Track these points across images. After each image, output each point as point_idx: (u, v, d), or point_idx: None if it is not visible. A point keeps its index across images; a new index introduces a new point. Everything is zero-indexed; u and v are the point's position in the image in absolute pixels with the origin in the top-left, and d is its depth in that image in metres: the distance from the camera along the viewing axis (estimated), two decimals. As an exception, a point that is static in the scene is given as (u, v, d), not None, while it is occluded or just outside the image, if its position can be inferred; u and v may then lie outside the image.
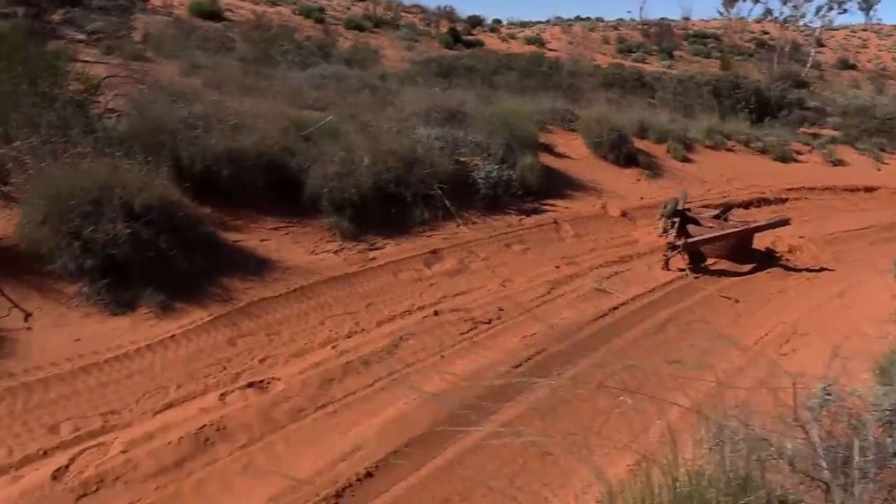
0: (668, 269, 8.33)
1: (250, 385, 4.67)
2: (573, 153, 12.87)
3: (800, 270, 9.28)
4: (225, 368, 4.86)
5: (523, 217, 9.29)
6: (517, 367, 5.48)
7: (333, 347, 5.37)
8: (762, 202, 13.43)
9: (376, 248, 7.26)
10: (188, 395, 4.51)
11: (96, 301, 5.17)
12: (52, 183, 5.33)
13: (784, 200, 13.93)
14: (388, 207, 7.93)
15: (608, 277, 7.79)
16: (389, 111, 10.07)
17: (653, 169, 13.34)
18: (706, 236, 8.59)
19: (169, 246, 5.54)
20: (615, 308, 6.91)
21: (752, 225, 9.06)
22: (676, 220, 8.92)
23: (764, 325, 7.13)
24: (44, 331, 4.82)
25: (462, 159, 9.30)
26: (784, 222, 9.23)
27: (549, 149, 12.32)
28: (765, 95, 21.84)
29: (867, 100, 27.23)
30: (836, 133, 21.35)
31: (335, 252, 6.93)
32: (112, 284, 5.25)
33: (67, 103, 6.56)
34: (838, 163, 18.02)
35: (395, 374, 5.12)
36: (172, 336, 5.06)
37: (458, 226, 8.36)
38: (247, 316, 5.56)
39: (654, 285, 7.76)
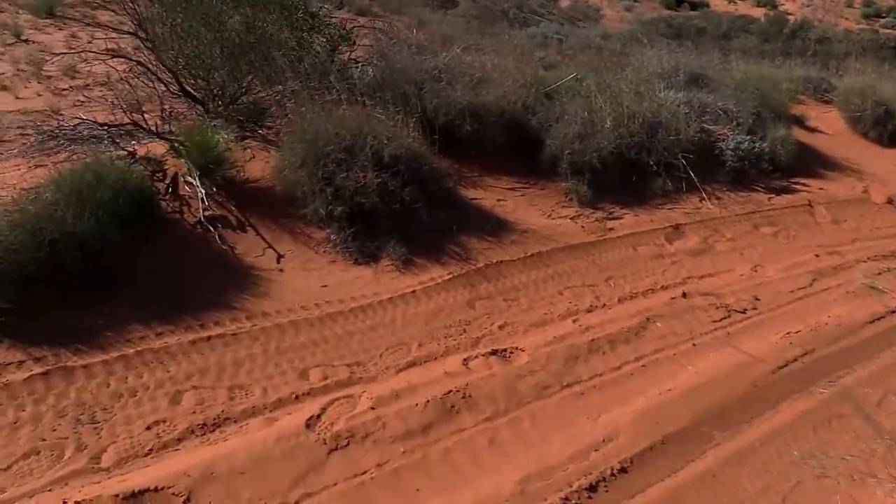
0: (956, 270, 7.11)
1: (493, 353, 4.44)
2: (827, 128, 11.46)
3: None
4: (465, 331, 4.67)
5: (772, 196, 8.33)
6: (782, 367, 4.81)
7: (575, 321, 5.01)
8: None
9: (614, 218, 6.77)
10: (430, 355, 4.37)
11: (342, 249, 5.18)
12: (310, 127, 5.38)
13: None
14: (627, 175, 7.38)
15: (879, 274, 6.75)
16: (628, 71, 9.38)
17: (923, 151, 11.60)
18: None
19: (413, 198, 5.43)
20: (894, 311, 5.95)
21: None
22: (968, 213, 7.60)
23: None
24: (294, 273, 4.89)
25: (708, 127, 8.48)
26: None
27: (799, 121, 11.04)
28: None
29: None
30: None
31: (572, 218, 6.54)
32: (358, 233, 5.24)
33: (323, 49, 6.65)
34: None
35: (644, 360, 4.67)
36: (413, 291, 4.95)
37: (700, 200, 7.64)
38: (484, 278, 5.33)
39: (941, 289, 6.63)
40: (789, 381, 4.68)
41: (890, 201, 9.09)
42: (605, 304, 5.34)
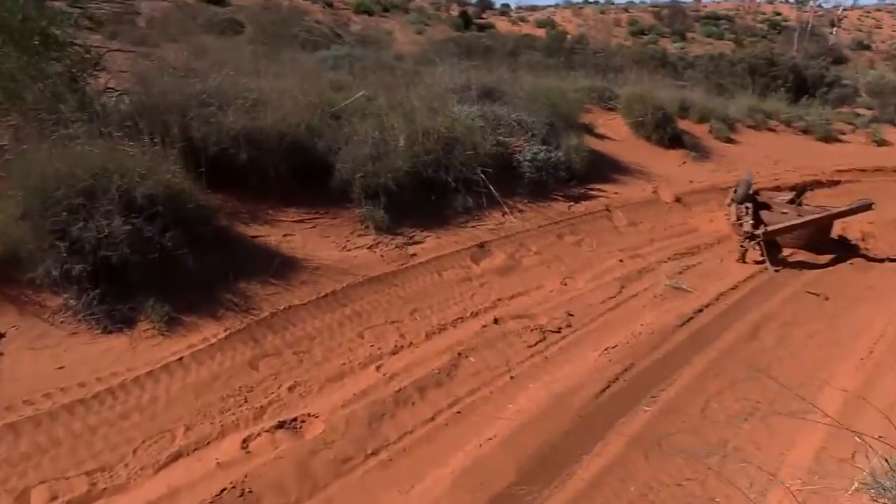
0: (745, 262, 7.29)
1: (280, 426, 3.67)
2: (613, 134, 11.83)
3: (882, 261, 8.23)
4: (246, 401, 3.87)
5: (572, 204, 8.25)
6: (605, 389, 4.46)
7: (378, 369, 4.37)
8: (814, 185, 12.36)
9: (416, 243, 6.24)
10: (200, 440, 3.52)
11: (86, 316, 4.16)
12: (35, 169, 4.33)
13: (836, 183, 12.91)
14: (426, 195, 6.91)
15: (681, 273, 6.76)
16: (421, 88, 8.98)
17: (698, 150, 12.30)
18: (786, 224, 7.53)
19: (176, 244, 4.52)
20: (700, 310, 5.88)
21: (834, 211, 7.98)
22: (750, 206, 7.89)
23: (867, 330, 6.09)
24: (19, 355, 3.83)
25: (504, 139, 8.26)
26: (866, 207, 8.13)
27: (588, 129, 11.29)
28: (802, 73, 20.69)
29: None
30: (870, 112, 20.32)
31: (369, 248, 5.92)
32: (106, 294, 4.24)
33: (60, 77, 5.55)
34: (882, 143, 16.97)
35: (459, 405, 4.11)
36: (180, 359, 4.06)
37: (503, 214, 7.34)
38: (270, 329, 4.55)
39: (734, 281, 6.72)
40: (613, 404, 4.33)
41: (678, 200, 9.37)
42: (411, 343, 4.75)
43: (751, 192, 8.25)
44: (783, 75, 19.94)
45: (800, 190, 8.48)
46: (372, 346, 4.63)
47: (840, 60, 30.53)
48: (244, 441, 3.49)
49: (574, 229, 7.56)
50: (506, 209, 7.41)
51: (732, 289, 6.50)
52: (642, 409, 4.33)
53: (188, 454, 3.39)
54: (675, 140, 12.08)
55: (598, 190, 9.01)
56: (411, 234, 6.36)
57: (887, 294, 7.11)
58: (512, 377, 4.48)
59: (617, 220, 8.23)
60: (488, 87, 10.08)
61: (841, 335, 5.95)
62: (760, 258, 7.33)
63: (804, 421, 4.42)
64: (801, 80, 20.31)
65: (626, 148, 11.33)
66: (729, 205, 8.22)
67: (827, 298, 6.74)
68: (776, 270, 7.16)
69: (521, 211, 7.59)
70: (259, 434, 3.56)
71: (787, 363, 5.31)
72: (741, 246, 7.29)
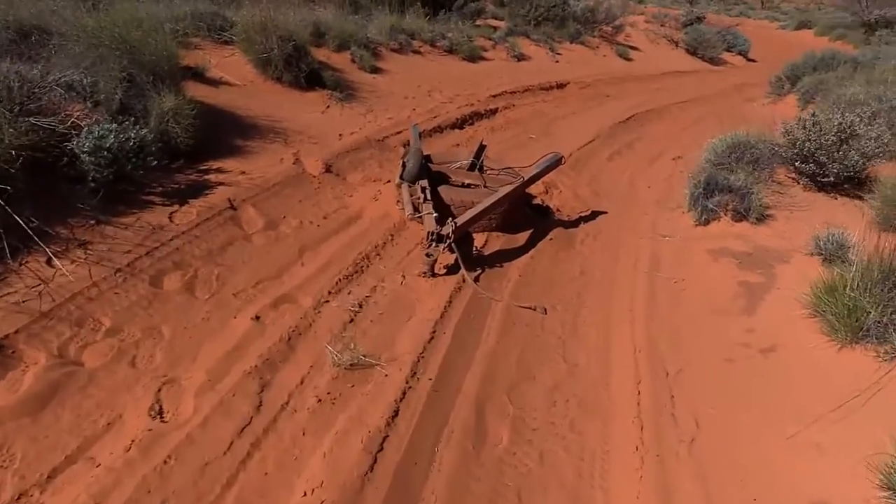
0: (435, 275, 5.17)
1: None
2: (235, 77, 8.91)
3: (576, 224, 6.81)
4: None
5: (175, 207, 5.39)
6: None
7: None
8: (475, 117, 10.93)
9: None
10: None
11: None
12: None
13: (495, 111, 11.66)
14: None
15: (351, 321, 4.41)
16: None
17: (342, 88, 9.94)
18: (479, 210, 5.50)
19: None
20: (395, 412, 3.58)
21: (528, 177, 6.17)
22: (426, 186, 5.76)
23: (612, 362, 4.42)
24: None
25: (41, 124, 4.98)
26: (558, 162, 6.54)
27: (198, 74, 8.26)
28: (434, -17, 19.34)
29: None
30: (505, 24, 19.98)
31: None
32: None
33: None
34: (522, 57, 16.48)
35: None
36: None
37: (49, 261, 4.26)
38: None
39: (430, 320, 4.54)
40: None
41: (328, 168, 6.93)
42: None
43: (423, 157, 6.13)
44: (415, -13, 18.31)
45: (478, 150, 6.53)
46: None
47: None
48: None
49: (180, 258, 4.76)
50: (52, 250, 4.31)
51: (430, 339, 4.32)
52: None
53: None
54: (313, 78, 9.57)
55: (217, 171, 6.24)
56: None
57: (607, 286, 5.60)
58: None
59: (248, 222, 5.57)
60: (26, 25, 6.54)
61: (585, 386, 4.16)
62: (453, 261, 5.30)
63: None
64: (434, -9, 18.93)
65: (251, 95, 8.55)
66: (398, 185, 6.01)
67: (545, 311, 4.96)
68: (476, 280, 5.17)
69: (84, 245, 4.54)
70: None
71: (538, 478, 3.32)
72: (426, 254, 5.11)
